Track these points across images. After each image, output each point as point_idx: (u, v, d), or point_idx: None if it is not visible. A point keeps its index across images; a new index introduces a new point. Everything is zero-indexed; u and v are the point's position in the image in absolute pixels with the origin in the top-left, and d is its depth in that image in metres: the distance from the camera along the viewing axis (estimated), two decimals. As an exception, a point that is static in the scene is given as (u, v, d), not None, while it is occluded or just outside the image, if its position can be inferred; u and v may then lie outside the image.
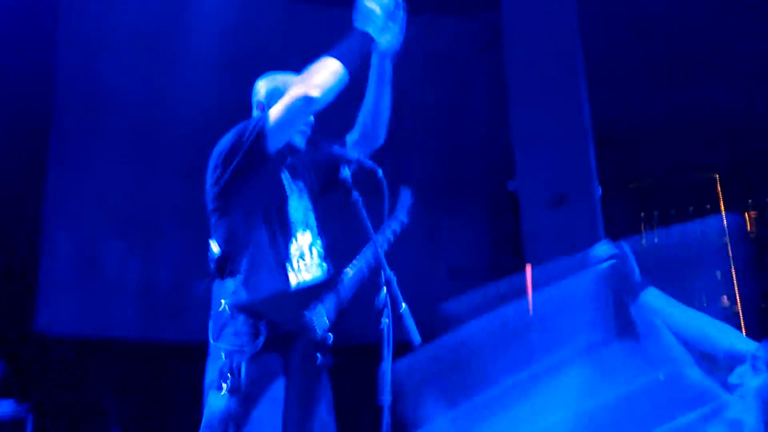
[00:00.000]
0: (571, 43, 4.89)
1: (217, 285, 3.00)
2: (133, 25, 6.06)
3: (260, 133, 2.81)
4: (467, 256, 6.02)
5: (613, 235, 5.25)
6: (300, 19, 6.30)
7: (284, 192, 3.03)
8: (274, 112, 2.81)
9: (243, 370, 2.74)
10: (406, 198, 3.71)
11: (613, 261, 2.81)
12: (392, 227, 3.43)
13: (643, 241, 5.63)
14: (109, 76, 5.95)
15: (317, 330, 2.84)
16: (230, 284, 2.93)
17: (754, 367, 2.35)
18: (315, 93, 2.78)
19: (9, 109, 5.44)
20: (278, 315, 2.78)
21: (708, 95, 5.40)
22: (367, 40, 2.93)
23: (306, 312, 2.83)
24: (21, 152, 5.51)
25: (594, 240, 4.30)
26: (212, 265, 3.02)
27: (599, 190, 4.74)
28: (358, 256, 3.08)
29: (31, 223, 5.49)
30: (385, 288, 2.76)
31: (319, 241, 3.13)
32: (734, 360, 2.56)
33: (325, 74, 2.80)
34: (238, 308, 2.75)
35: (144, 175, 5.96)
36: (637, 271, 2.75)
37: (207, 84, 6.04)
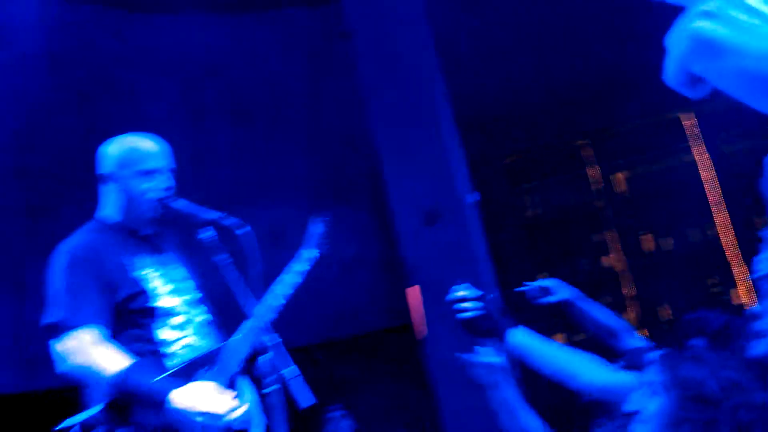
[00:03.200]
0: (422, 30, 4.78)
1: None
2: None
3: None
4: (355, 251, 5.93)
5: (495, 215, 5.35)
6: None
7: (141, 284, 2.84)
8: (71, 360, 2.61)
9: None
10: (317, 229, 3.51)
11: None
12: (297, 266, 3.24)
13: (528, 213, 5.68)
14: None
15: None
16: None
17: (651, 391, 2.28)
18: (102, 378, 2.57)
19: None
20: (139, 416, 2.61)
21: (561, 63, 5.43)
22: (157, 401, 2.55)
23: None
24: None
25: (473, 253, 4.36)
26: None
27: (473, 197, 4.70)
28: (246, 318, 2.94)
29: None
30: (270, 352, 2.66)
31: (199, 311, 2.97)
32: (605, 393, 2.52)
33: (86, 367, 2.58)
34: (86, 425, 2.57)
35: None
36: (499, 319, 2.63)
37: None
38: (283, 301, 3.11)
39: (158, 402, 2.50)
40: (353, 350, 5.94)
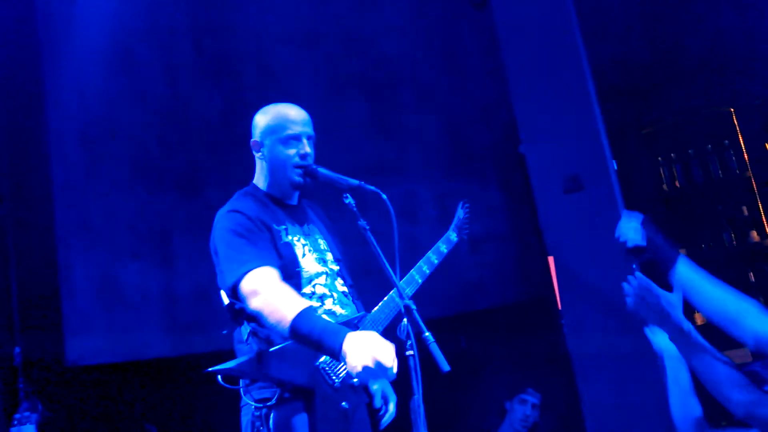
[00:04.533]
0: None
1: (235, 332, 2.95)
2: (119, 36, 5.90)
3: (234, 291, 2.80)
4: (485, 226, 5.90)
5: (634, 187, 5.19)
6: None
7: (291, 251, 2.94)
8: (254, 301, 2.74)
9: (271, 422, 2.71)
10: (462, 212, 3.61)
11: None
12: (440, 249, 3.35)
13: (665, 186, 5.47)
14: (99, 94, 5.82)
15: (332, 378, 2.77)
16: (243, 332, 2.88)
17: None
18: (281, 326, 2.66)
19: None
20: (280, 372, 2.70)
21: (707, 31, 5.20)
22: (332, 348, 2.60)
23: (316, 362, 2.76)
24: (26, 184, 5.45)
25: (614, 220, 4.23)
26: (227, 313, 2.97)
27: (614, 165, 4.56)
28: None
29: (47, 256, 5.44)
30: (405, 318, 2.69)
31: (340, 281, 3.05)
32: (764, 348, 2.39)
33: (272, 315, 2.69)
34: (234, 372, 2.67)
35: (150, 191, 5.88)
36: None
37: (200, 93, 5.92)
38: (422, 281, 3.18)
39: (333, 345, 2.54)
40: (486, 324, 5.92)
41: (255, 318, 2.81)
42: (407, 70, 6.22)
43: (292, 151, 3.02)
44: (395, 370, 2.53)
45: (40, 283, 5.35)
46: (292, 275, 2.89)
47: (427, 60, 6.23)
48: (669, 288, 2.54)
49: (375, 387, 3.09)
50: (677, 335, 2.49)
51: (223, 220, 2.93)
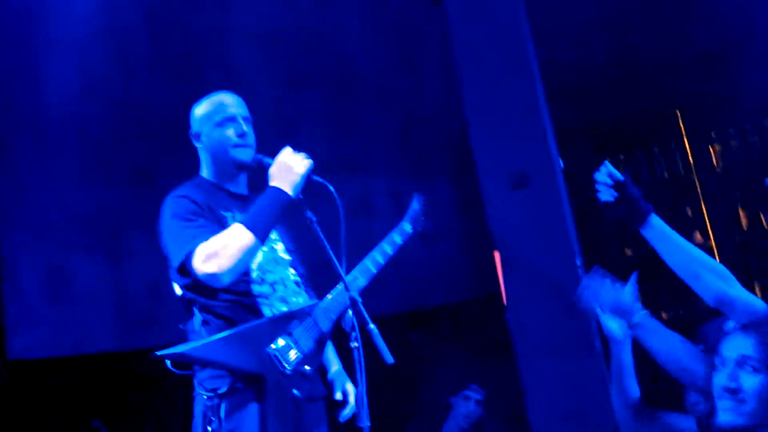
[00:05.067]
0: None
1: (188, 323, 2.95)
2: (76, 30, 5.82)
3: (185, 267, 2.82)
4: (437, 222, 5.94)
5: (580, 185, 5.26)
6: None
7: None
8: (208, 265, 2.75)
9: (222, 411, 2.72)
10: (417, 205, 3.63)
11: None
12: (393, 239, 3.36)
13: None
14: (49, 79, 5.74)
15: (283, 365, 2.78)
16: (195, 322, 2.88)
17: (752, 369, 2.30)
18: (225, 279, 2.75)
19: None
20: (230, 357, 2.70)
21: (655, 32, 5.30)
22: (281, 198, 2.87)
23: (267, 348, 2.77)
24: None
25: (560, 218, 4.32)
26: (180, 304, 2.97)
27: (561, 163, 4.64)
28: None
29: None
30: (350, 310, 2.72)
31: (292, 271, 3.06)
32: (723, 305, 2.51)
33: (235, 253, 2.75)
34: (183, 357, 2.68)
35: (101, 184, 5.81)
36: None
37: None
38: (375, 270, 3.20)
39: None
40: (436, 321, 5.97)
41: (208, 308, 2.83)
42: (365, 68, 6.25)
43: (230, 131, 3.04)
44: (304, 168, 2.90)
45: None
46: None
47: (385, 58, 6.26)
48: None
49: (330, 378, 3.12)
50: (634, 322, 2.65)
51: (168, 205, 2.94)
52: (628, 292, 2.70)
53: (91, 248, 5.73)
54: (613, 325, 2.76)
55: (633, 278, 2.73)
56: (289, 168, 2.89)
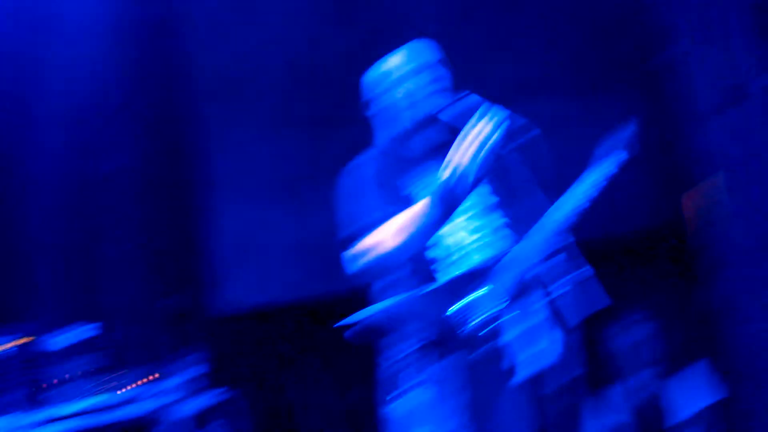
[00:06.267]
0: None
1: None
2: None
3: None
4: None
5: None
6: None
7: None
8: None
9: (408, 376, 2.68)
10: (627, 130, 3.27)
11: None
12: (604, 168, 3.04)
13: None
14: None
15: (461, 327, 2.68)
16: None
17: None
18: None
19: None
20: (406, 323, 2.66)
21: None
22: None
23: (447, 311, 2.68)
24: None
25: None
26: None
27: None
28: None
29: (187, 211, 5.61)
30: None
31: (479, 222, 2.92)
32: None
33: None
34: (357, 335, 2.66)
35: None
36: None
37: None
38: (587, 204, 2.93)
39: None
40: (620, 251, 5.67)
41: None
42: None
43: (404, 92, 2.88)
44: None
45: (185, 239, 5.54)
46: None
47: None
48: None
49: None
50: None
51: (344, 178, 2.92)
52: None
53: (275, 201, 5.84)
54: None
55: None
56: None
